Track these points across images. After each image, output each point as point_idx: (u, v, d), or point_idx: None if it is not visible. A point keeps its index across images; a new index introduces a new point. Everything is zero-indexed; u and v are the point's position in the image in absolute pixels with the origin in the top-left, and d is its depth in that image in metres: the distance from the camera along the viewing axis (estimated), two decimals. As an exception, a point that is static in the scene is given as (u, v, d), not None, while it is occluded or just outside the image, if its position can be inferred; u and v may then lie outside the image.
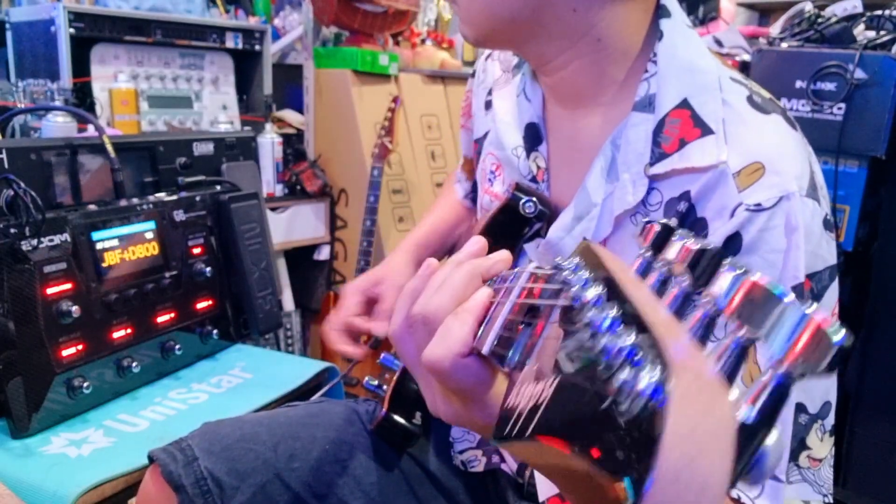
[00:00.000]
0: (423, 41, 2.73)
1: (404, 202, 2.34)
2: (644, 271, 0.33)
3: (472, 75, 0.95)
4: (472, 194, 1.04)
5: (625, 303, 0.27)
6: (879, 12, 1.64)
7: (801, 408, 0.65)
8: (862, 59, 1.54)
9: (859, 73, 1.54)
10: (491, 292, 0.47)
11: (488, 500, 0.88)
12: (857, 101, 1.55)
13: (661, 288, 0.31)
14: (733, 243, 0.63)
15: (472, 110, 0.95)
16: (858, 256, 1.63)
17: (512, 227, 0.74)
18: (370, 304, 0.98)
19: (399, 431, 0.83)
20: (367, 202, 2.06)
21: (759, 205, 0.62)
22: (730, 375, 0.26)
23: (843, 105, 1.57)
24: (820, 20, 1.71)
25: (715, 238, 0.63)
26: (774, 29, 1.84)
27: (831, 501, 0.66)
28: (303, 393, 1.14)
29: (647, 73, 0.69)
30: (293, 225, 2.19)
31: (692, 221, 0.65)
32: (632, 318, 0.25)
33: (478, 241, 0.53)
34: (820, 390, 0.67)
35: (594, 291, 0.30)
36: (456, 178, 1.08)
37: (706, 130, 0.65)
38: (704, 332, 0.28)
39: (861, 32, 1.65)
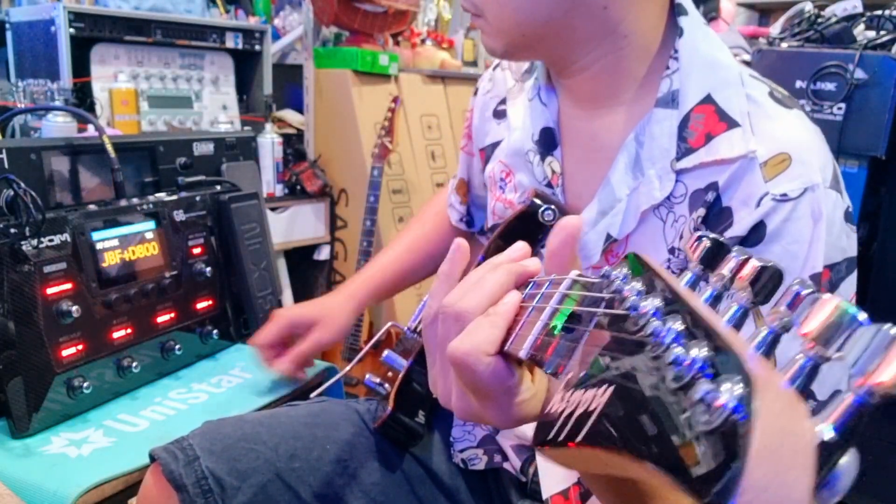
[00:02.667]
0: (423, 41, 2.73)
1: (404, 202, 2.34)
2: (692, 285, 0.33)
3: (475, 93, 0.94)
4: (468, 217, 1.04)
5: (689, 314, 0.27)
6: (879, 12, 1.64)
7: (809, 394, 0.66)
8: (862, 59, 1.53)
9: (859, 73, 1.54)
10: (520, 297, 0.46)
11: (490, 498, 0.88)
12: (857, 101, 1.55)
13: (713, 304, 0.31)
14: (757, 232, 0.64)
15: (471, 131, 0.95)
16: (858, 256, 1.63)
17: (528, 234, 0.74)
18: (292, 336, 1.02)
19: (403, 430, 0.83)
20: (367, 202, 2.06)
21: (784, 195, 0.63)
22: (803, 392, 0.26)
23: (843, 105, 1.57)
24: (820, 20, 1.71)
25: (740, 227, 0.64)
26: (774, 29, 1.84)
27: None
28: (303, 393, 1.14)
29: (668, 70, 0.69)
30: (293, 225, 2.19)
31: (718, 211, 0.66)
32: (699, 331, 0.25)
33: (521, 248, 0.52)
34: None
35: (652, 302, 0.30)
36: (447, 202, 1.06)
37: (732, 124, 0.66)
38: (768, 350, 0.28)
39: (861, 32, 1.65)
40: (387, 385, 0.86)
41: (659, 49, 0.71)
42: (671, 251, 0.69)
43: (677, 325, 0.26)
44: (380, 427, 0.84)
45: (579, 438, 0.30)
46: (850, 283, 0.67)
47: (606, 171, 0.72)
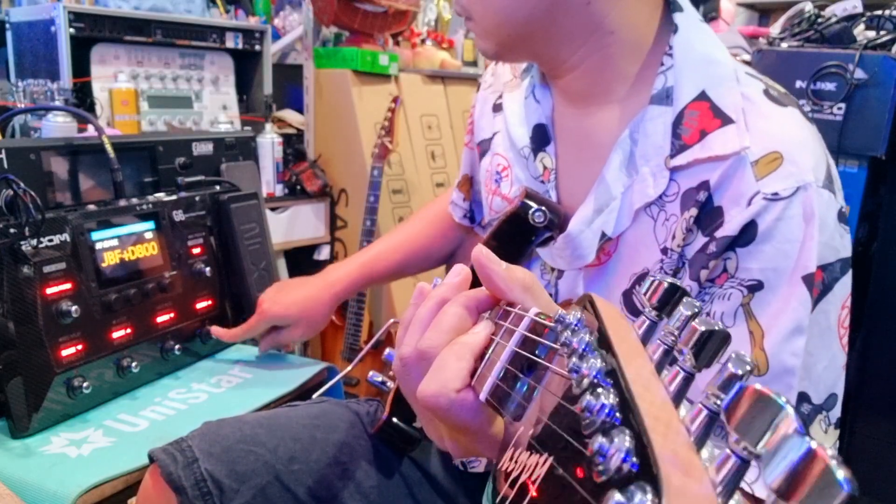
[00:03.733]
0: (423, 41, 2.73)
1: (404, 202, 2.34)
2: (648, 332, 0.33)
3: (478, 89, 0.94)
4: (471, 213, 1.04)
5: (624, 390, 0.26)
6: (879, 12, 1.64)
7: (804, 397, 0.65)
8: (862, 59, 1.53)
9: (859, 73, 1.54)
10: (492, 327, 0.45)
11: (488, 500, 0.88)
12: (857, 101, 1.55)
13: (663, 359, 0.31)
14: (749, 231, 0.63)
15: (473, 126, 0.95)
16: (858, 256, 1.63)
17: (521, 234, 0.74)
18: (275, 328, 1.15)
19: (400, 435, 0.83)
20: (367, 202, 2.06)
21: (776, 194, 0.62)
22: (728, 486, 0.24)
23: (843, 105, 1.57)
24: (820, 20, 1.71)
25: (731, 226, 0.64)
26: (774, 29, 1.84)
27: None
28: (303, 393, 1.14)
29: (662, 67, 0.69)
30: (293, 225, 2.19)
31: (709, 210, 0.66)
32: (629, 414, 0.25)
33: (460, 271, 0.50)
34: (826, 382, 0.67)
35: (594, 363, 0.29)
36: (449, 200, 1.07)
37: (726, 120, 0.65)
38: (705, 431, 0.26)
39: (861, 32, 1.65)
40: (390, 383, 0.86)
41: (653, 46, 0.71)
42: (663, 251, 0.69)
43: (610, 400, 0.26)
44: (377, 432, 0.84)
45: None
46: (844, 284, 0.67)
47: (600, 169, 0.71)
